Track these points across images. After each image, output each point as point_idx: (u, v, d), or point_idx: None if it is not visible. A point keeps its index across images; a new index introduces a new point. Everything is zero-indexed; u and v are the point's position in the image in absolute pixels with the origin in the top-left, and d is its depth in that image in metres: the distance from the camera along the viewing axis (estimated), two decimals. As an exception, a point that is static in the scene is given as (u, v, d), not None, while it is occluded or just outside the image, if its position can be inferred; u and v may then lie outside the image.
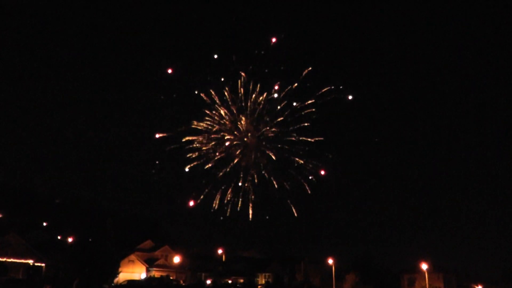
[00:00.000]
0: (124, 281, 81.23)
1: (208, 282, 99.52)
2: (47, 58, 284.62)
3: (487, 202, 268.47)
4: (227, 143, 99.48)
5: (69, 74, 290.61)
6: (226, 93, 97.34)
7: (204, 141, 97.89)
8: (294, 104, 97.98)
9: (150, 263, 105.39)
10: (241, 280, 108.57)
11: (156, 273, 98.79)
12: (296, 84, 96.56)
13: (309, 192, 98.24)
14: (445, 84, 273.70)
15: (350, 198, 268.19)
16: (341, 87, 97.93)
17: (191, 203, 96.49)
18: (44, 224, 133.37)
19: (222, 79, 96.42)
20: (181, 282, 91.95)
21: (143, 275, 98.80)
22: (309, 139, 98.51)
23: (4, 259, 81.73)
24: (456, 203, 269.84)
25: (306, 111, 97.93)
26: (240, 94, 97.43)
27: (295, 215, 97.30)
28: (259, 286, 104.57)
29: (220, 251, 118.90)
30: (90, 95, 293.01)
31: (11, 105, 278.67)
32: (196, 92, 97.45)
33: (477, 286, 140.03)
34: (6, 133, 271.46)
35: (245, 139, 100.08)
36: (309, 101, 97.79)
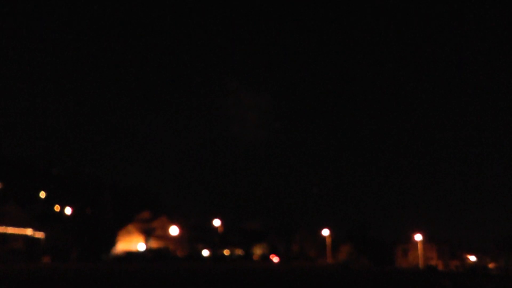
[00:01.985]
0: (122, 253, 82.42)
1: (205, 253, 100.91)
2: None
3: (481, 174, 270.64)
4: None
5: (68, 39, 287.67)
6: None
7: None
8: None
9: (147, 234, 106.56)
10: (238, 252, 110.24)
11: (153, 244, 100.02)
12: None
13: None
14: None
15: (346, 170, 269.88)
16: None
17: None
18: (42, 195, 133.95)
19: None
20: (178, 253, 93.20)
21: (140, 245, 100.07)
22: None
23: (3, 229, 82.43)
24: (450, 174, 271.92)
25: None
26: None
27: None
28: (255, 257, 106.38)
29: (217, 223, 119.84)
30: (84, 64, 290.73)
31: (7, 75, 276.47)
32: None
33: (470, 256, 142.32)
34: (3, 103, 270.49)
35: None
36: None
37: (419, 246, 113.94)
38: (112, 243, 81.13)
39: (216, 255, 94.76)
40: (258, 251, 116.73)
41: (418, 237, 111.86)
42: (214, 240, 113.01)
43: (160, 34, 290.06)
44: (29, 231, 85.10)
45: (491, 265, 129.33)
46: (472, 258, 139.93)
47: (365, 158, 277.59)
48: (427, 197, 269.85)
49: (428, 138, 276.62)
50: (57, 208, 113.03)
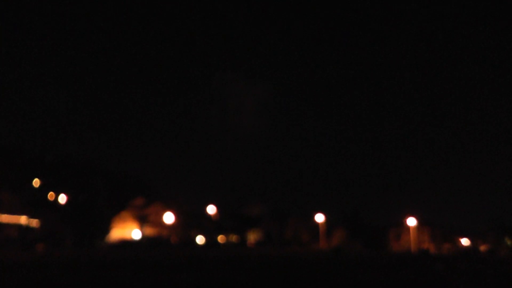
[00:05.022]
0: (118, 241, 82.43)
1: (200, 239, 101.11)
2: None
3: (473, 156, 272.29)
4: None
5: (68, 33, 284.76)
6: None
7: None
8: None
9: (142, 220, 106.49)
10: (233, 238, 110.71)
11: (148, 230, 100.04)
12: None
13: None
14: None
15: (339, 154, 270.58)
16: None
17: None
18: (36, 182, 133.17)
19: None
20: (173, 240, 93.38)
21: (134, 232, 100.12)
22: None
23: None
24: (442, 157, 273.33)
25: None
26: None
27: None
28: (249, 244, 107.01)
29: (211, 209, 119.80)
30: (76, 51, 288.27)
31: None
32: None
33: (462, 239, 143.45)
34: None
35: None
36: None
37: (412, 230, 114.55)
38: (106, 229, 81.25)
39: (211, 241, 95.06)
40: (252, 237, 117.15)
41: (410, 220, 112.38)
42: (209, 226, 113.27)
43: (155, 23, 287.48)
44: (23, 219, 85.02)
45: (482, 248, 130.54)
46: (465, 241, 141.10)
47: (358, 143, 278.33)
48: (420, 181, 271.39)
49: (420, 122, 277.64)
50: (51, 195, 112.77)
